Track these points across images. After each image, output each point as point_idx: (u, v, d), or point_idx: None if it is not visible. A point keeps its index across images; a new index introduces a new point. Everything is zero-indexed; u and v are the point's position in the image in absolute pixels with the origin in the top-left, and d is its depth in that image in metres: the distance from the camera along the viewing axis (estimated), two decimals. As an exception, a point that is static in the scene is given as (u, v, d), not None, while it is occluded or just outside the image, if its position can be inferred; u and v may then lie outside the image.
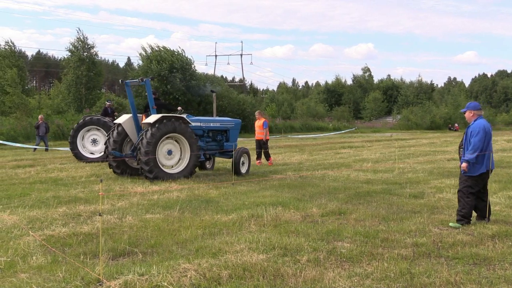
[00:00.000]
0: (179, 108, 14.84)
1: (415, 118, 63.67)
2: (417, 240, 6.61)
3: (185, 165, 13.23)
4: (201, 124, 14.43)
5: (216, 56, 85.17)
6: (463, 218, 7.61)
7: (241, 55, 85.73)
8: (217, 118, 15.64)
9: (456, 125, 61.55)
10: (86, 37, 46.25)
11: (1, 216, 8.22)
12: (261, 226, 7.54)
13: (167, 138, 12.97)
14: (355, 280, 5.10)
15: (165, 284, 4.88)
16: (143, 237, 6.91)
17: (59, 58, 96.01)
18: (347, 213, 8.54)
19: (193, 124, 13.88)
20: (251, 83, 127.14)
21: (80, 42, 46.06)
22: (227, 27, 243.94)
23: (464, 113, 8.03)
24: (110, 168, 13.94)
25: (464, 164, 7.63)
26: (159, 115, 12.86)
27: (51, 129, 30.80)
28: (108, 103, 21.61)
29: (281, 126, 51.40)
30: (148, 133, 12.53)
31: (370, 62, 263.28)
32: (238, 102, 46.98)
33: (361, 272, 5.33)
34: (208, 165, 15.54)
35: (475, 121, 7.80)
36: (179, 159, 13.35)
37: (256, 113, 18.45)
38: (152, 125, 12.66)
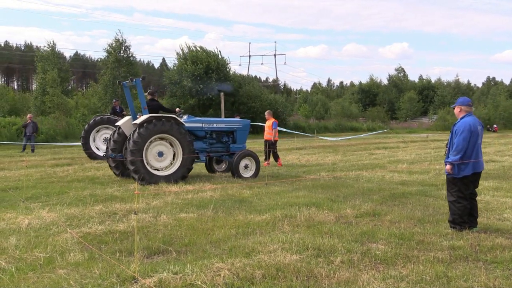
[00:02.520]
0: (177, 109, 14.15)
1: (452, 119, 62.36)
2: (453, 243, 6.47)
3: (177, 167, 12.61)
4: (203, 125, 13.83)
5: (250, 56, 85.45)
6: (455, 225, 7.25)
7: (275, 55, 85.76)
8: (222, 118, 14.88)
9: (495, 126, 60.02)
10: (125, 39, 47.06)
11: (40, 213, 8.43)
12: (295, 227, 7.51)
13: (158, 139, 12.55)
14: (390, 283, 5.03)
15: (199, 283, 4.92)
16: (177, 236, 6.97)
17: (96, 59, 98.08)
18: (381, 214, 8.43)
19: (194, 125, 13.57)
20: (285, 83, 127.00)
21: (117, 43, 46.84)
22: (261, 27, 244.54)
23: (454, 109, 7.57)
24: (113, 172, 13.75)
25: (448, 166, 7.24)
26: (147, 116, 12.47)
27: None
28: (114, 101, 21.90)
29: (315, 127, 51.17)
30: (135, 134, 12.14)
31: (405, 61, 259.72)
32: (271, 103, 46.95)
33: (396, 274, 5.25)
34: (219, 168, 15.07)
35: (461, 118, 7.33)
36: (172, 161, 12.77)
37: (266, 113, 17.95)
38: (139, 126, 12.28)
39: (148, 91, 14.37)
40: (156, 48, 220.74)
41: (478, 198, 9.98)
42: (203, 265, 5.41)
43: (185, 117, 13.84)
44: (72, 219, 8.09)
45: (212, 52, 45.81)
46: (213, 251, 6.19)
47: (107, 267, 5.45)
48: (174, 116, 12.89)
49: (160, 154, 12.61)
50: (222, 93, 17.29)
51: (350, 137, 39.32)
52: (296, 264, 5.46)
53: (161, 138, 12.62)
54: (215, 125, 14.06)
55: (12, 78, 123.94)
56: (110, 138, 13.64)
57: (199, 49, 45.66)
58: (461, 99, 7.54)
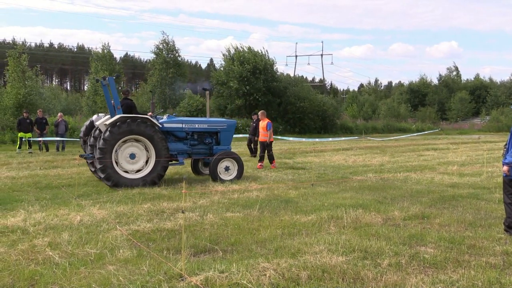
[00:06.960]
0: (149, 114, 13.34)
1: (506, 120, 60.13)
2: (507, 249, 6.24)
3: (149, 170, 12.05)
4: (183, 125, 13.14)
5: (296, 56, 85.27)
6: (509, 229, 7.01)
7: (322, 55, 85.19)
8: (205, 118, 14.33)
9: (552, 127, 57.50)
10: (173, 41, 47.84)
11: (91, 210, 8.68)
12: (341, 228, 7.44)
13: (130, 140, 12.03)
14: (439, 287, 4.90)
15: (245, 282, 4.94)
16: (223, 235, 7.02)
17: (144, 60, 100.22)
18: (430, 217, 8.23)
19: (174, 125, 12.99)
20: (331, 83, 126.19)
21: (164, 45, 47.65)
22: (306, 27, 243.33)
23: None
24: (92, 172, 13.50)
25: (504, 168, 6.99)
26: (117, 116, 11.94)
27: None
28: None
29: (362, 127, 50.52)
30: (103, 136, 11.73)
31: (454, 61, 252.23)
32: (319, 103, 46.62)
33: (445, 279, 5.11)
34: (205, 170, 14.39)
35: None
36: (145, 164, 12.18)
37: (259, 113, 17.27)
38: (107, 127, 11.87)
39: (122, 90, 14.26)
40: (201, 49, 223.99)
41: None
42: (248, 264, 5.43)
43: (164, 117, 13.48)
44: (122, 216, 8.29)
45: (260, 52, 45.89)
46: (259, 250, 6.20)
47: (155, 264, 5.55)
48: (146, 116, 12.45)
49: (132, 156, 12.08)
50: (207, 92, 16.69)
51: (398, 137, 38.58)
52: (343, 266, 5.41)
53: (136, 140, 12.12)
54: (196, 125, 13.40)
55: (65, 79, 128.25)
56: (87, 140, 13.27)
57: (246, 49, 45.83)
58: None
